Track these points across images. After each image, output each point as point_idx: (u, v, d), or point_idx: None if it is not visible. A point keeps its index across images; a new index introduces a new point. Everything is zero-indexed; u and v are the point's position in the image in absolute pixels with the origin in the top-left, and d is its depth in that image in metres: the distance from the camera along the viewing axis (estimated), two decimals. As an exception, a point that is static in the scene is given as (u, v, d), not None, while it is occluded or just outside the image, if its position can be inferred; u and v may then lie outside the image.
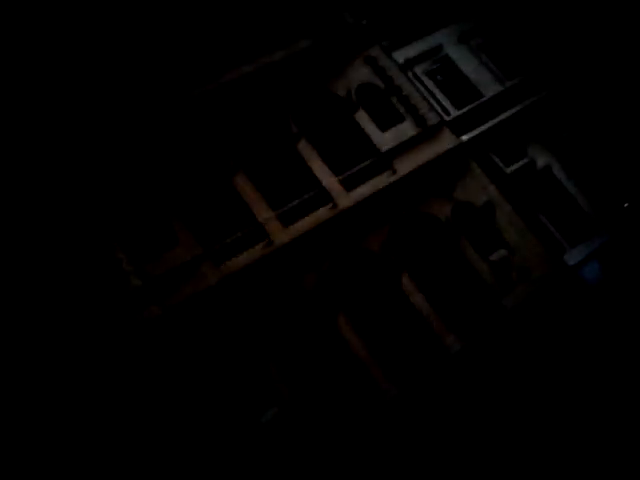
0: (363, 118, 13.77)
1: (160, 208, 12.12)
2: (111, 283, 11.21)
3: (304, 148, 13.15)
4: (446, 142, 13.80)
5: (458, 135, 14.11)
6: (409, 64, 14.91)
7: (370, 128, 13.70)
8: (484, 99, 14.89)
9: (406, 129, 13.83)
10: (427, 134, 13.85)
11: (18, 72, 12.07)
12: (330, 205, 12.61)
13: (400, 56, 14.98)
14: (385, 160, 13.32)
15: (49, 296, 11.21)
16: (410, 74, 14.72)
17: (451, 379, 11.44)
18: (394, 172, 13.20)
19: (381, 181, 13.06)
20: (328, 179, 12.90)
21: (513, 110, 14.96)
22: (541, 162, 14.47)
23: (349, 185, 12.92)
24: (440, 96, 14.79)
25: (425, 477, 8.75)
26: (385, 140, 13.58)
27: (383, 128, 13.86)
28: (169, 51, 13.21)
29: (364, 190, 12.87)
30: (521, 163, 14.30)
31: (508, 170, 14.09)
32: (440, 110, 14.46)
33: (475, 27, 15.92)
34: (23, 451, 9.70)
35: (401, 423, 10.85)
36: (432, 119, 13.99)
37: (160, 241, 11.88)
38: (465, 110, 14.60)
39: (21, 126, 11.83)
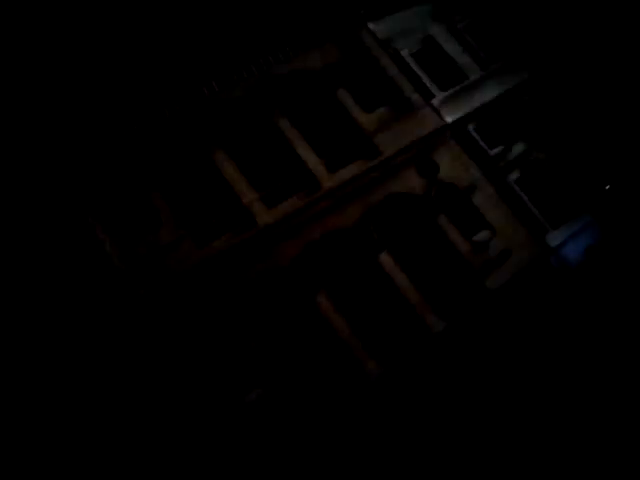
0: (346, 98, 13.68)
1: (143, 188, 12.00)
2: (93, 265, 11.09)
3: (288, 130, 13.07)
4: (430, 124, 13.79)
5: (442, 117, 14.08)
6: (389, 41, 14.75)
7: (354, 109, 13.62)
8: (468, 81, 14.87)
9: (390, 110, 13.78)
10: (411, 116, 13.81)
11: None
12: (314, 186, 12.57)
13: (379, 31, 14.78)
14: (369, 141, 13.28)
15: (29, 281, 11.06)
16: (391, 51, 14.59)
17: (434, 360, 11.58)
18: (378, 153, 13.17)
19: (365, 162, 13.03)
20: (312, 161, 12.84)
21: (497, 92, 14.96)
22: (524, 145, 14.54)
23: (333, 167, 12.88)
24: (424, 77, 14.74)
25: (409, 457, 8.88)
26: (369, 121, 13.53)
27: (367, 110, 13.77)
28: (156, 38, 12.95)
29: (348, 171, 12.83)
30: (504, 145, 14.37)
31: (492, 152, 14.15)
32: (424, 91, 14.43)
33: (459, 9, 15.86)
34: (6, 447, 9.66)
35: (385, 403, 10.97)
36: (416, 101, 13.97)
37: (143, 222, 11.76)
38: (449, 92, 14.60)
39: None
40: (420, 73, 14.75)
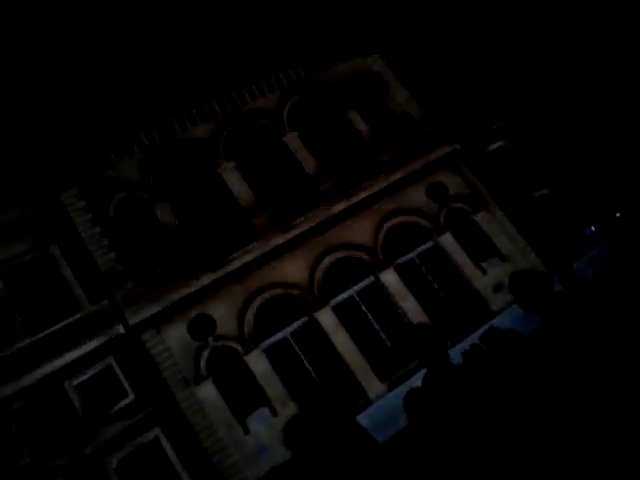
0: (356, 119, 13.87)
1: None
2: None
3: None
4: (440, 147, 13.84)
5: (453, 142, 14.10)
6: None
7: (364, 130, 13.77)
8: (479, 107, 14.96)
9: (400, 133, 13.92)
10: (422, 141, 13.90)
11: None
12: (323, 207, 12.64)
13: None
14: (379, 164, 13.39)
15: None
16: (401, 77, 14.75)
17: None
18: (388, 176, 13.24)
19: (375, 185, 13.10)
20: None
21: (509, 118, 15.00)
22: (537, 173, 14.54)
23: (342, 188, 12.98)
24: (435, 99, 14.90)
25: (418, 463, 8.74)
26: (380, 144, 13.66)
27: (377, 132, 13.90)
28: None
29: (358, 192, 12.91)
30: (514, 168, 14.41)
31: (503, 176, 14.16)
32: (434, 113, 14.51)
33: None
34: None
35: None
36: (426, 125, 14.11)
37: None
38: (460, 115, 14.69)
39: None
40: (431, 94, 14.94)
